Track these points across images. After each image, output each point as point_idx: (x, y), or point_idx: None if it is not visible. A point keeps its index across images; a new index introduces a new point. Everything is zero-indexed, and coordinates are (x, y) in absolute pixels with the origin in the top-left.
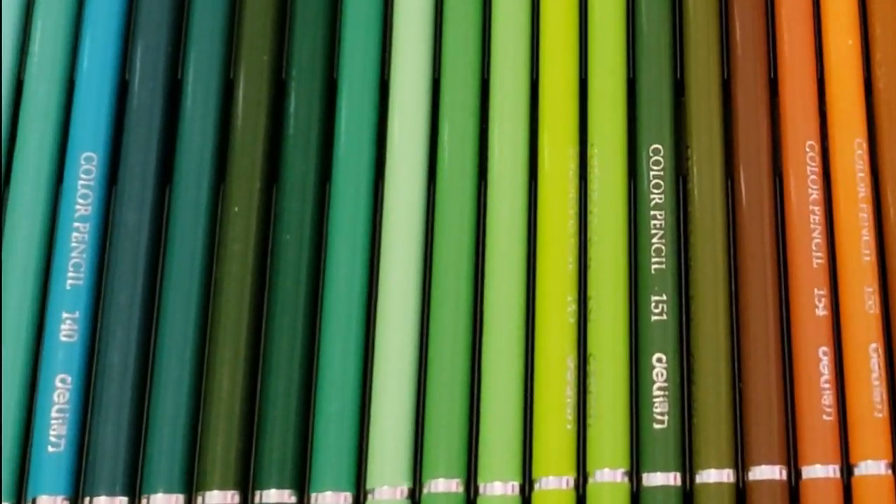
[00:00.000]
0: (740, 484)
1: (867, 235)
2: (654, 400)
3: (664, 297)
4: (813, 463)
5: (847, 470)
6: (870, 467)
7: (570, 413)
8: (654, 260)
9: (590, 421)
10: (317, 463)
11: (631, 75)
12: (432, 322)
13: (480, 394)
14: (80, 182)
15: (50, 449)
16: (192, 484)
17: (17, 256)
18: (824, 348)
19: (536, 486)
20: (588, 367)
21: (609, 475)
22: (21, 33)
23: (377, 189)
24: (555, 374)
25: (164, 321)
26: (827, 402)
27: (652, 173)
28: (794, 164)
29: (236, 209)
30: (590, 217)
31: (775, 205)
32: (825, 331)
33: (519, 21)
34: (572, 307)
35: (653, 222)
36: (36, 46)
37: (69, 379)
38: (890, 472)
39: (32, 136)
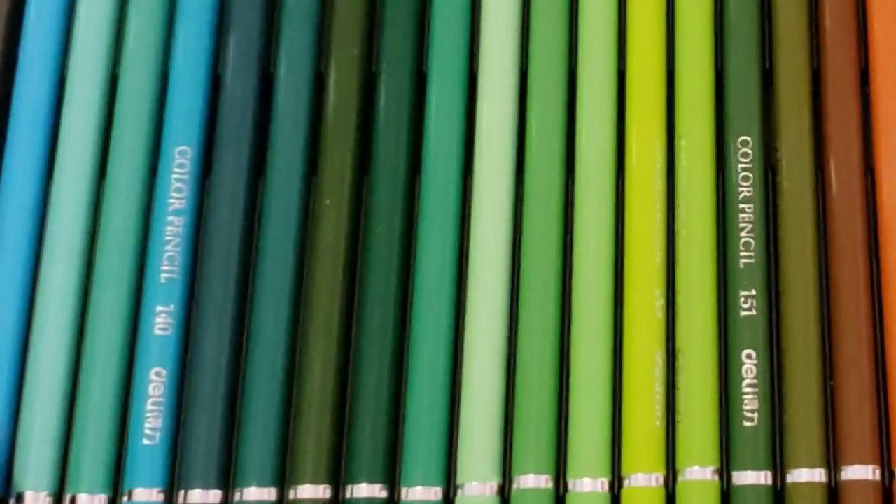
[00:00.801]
0: (832, 484)
1: None
2: (744, 397)
3: (753, 293)
4: None
5: None
6: None
7: (658, 409)
8: (742, 254)
9: (679, 417)
10: (407, 458)
11: (719, 66)
12: (521, 316)
13: (569, 389)
14: (174, 176)
15: (145, 441)
16: (284, 478)
17: (113, 250)
18: None
19: (625, 482)
20: (677, 362)
21: (699, 473)
22: (116, 29)
23: (466, 182)
24: (643, 370)
25: (257, 314)
26: None
27: (740, 165)
28: (887, 157)
29: (328, 202)
30: (677, 210)
31: (867, 198)
32: None
33: (606, 12)
34: (660, 302)
35: (741, 215)
36: (130, 41)
37: (164, 372)
38: None
39: (127, 130)
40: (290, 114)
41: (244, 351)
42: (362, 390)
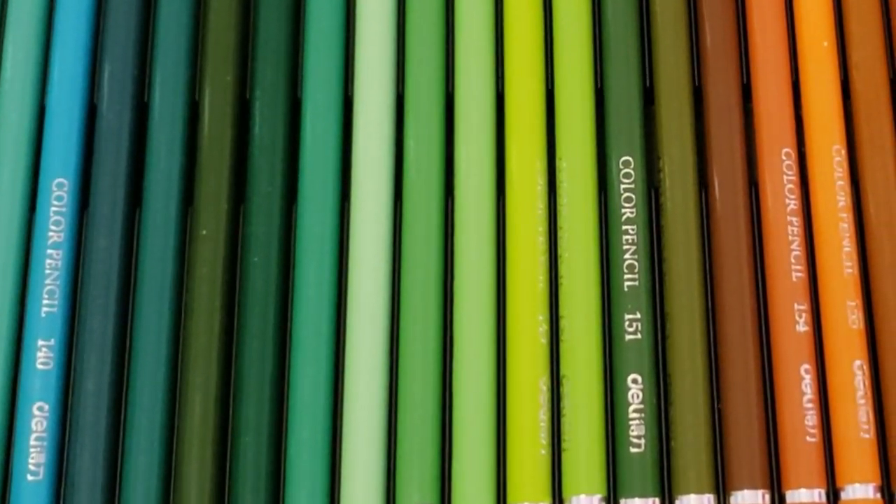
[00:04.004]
0: None
1: (848, 247)
2: (631, 423)
3: (638, 315)
4: (797, 487)
5: (833, 494)
6: (857, 491)
7: (544, 437)
8: (626, 276)
9: (564, 445)
10: (290, 489)
11: (598, 85)
12: (401, 343)
13: (452, 418)
14: (53, 209)
15: (29, 478)
16: None
17: None
18: (806, 366)
19: None
20: (561, 388)
21: (586, 501)
22: None
23: (343, 208)
24: (527, 397)
25: (137, 346)
26: (810, 423)
27: (623, 186)
28: (770, 173)
29: (204, 232)
30: (560, 233)
31: (751, 216)
32: (807, 347)
33: (483, 33)
34: (544, 327)
35: (625, 237)
36: (7, 73)
37: (46, 407)
38: (878, 496)
39: (5, 163)
40: (165, 143)
41: (125, 383)
42: (243, 422)
